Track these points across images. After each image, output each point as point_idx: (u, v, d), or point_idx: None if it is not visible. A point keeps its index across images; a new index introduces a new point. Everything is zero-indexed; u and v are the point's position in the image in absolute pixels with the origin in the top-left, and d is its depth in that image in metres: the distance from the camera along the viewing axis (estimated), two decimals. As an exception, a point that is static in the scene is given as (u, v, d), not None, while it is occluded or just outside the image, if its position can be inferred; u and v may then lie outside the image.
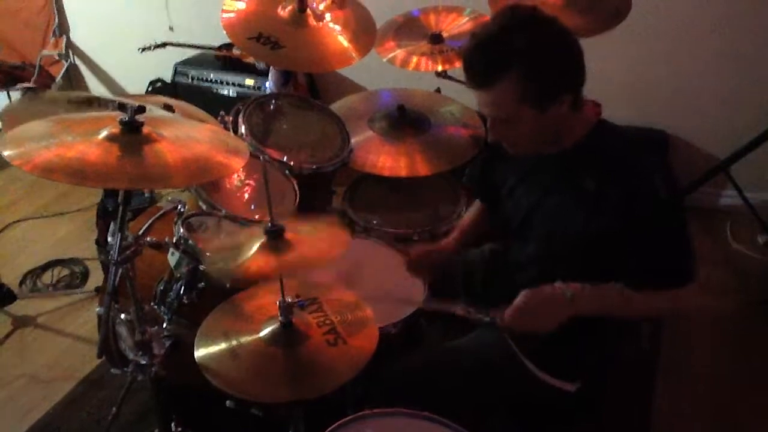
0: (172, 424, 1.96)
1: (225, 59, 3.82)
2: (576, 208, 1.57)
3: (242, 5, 2.31)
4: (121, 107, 1.39)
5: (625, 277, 1.52)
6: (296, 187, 2.14)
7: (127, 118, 1.37)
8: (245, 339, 1.58)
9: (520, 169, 1.75)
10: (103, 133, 1.35)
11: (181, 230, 1.78)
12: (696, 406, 2.36)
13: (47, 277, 3.13)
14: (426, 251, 2.03)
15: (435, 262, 2.00)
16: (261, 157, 2.00)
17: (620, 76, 3.25)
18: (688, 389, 2.41)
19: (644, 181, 1.51)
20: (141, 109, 1.39)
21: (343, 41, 2.37)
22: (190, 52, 3.98)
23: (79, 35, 4.45)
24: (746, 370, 2.55)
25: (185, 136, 1.47)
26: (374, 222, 2.31)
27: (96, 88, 4.61)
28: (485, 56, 1.50)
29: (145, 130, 1.39)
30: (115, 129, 1.37)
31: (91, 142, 1.33)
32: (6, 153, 1.26)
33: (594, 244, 1.55)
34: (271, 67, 3.26)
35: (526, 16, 1.51)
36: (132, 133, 1.37)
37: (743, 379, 2.51)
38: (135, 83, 4.23)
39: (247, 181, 2.14)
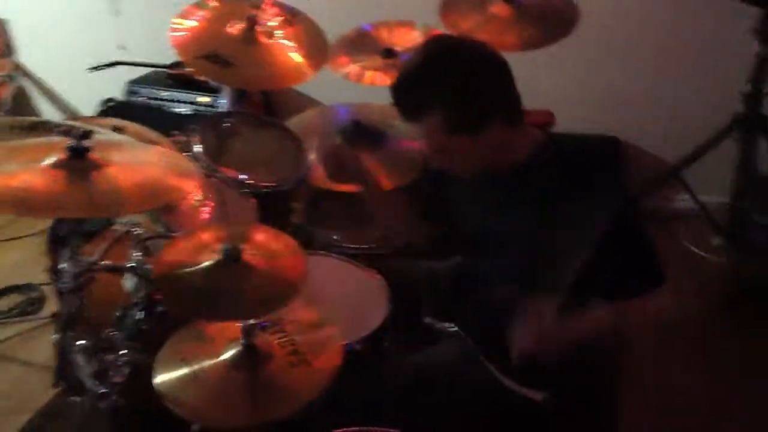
0: (135, 453, 1.91)
1: (178, 77, 3.77)
2: (529, 225, 1.58)
3: (192, 23, 2.29)
4: (67, 132, 1.36)
5: (594, 289, 1.53)
6: (254, 206, 2.12)
7: (74, 144, 1.34)
8: (206, 363, 1.55)
9: (468, 189, 1.76)
10: (50, 160, 1.32)
11: (137, 254, 1.75)
12: (662, 412, 2.38)
13: (2, 304, 3.04)
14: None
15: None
16: (216, 177, 1.98)
17: (571, 83, 3.31)
18: (652, 396, 2.42)
19: (597, 192, 1.52)
20: (87, 134, 1.36)
21: (296, 57, 2.36)
22: (142, 71, 3.93)
23: (26, 56, 4.36)
24: (712, 375, 2.58)
25: (136, 160, 1.45)
26: (334, 238, 2.30)
27: (46, 109, 4.51)
28: (407, 95, 1.54)
29: (94, 155, 1.36)
30: (62, 155, 1.34)
31: (36, 170, 1.30)
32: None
33: (551, 260, 1.56)
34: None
35: (446, 48, 1.54)
36: (79, 158, 1.34)
37: (709, 385, 2.53)
38: (87, 103, 4.14)
39: (204, 201, 2.11)
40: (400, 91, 1.57)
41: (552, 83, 3.16)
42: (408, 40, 2.57)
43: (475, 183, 1.73)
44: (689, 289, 2.86)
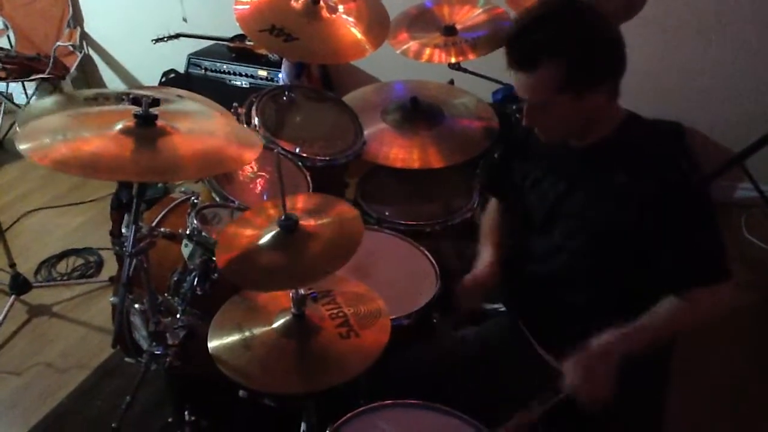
0: (186, 414, 1.97)
1: (238, 50, 3.82)
2: (605, 201, 1.56)
3: (255, -3, 2.31)
4: (135, 101, 1.40)
5: (658, 274, 1.52)
6: (309, 179, 2.15)
7: (141, 112, 1.38)
8: (258, 330, 1.59)
9: (544, 161, 1.72)
10: (118, 127, 1.36)
11: (195, 222, 1.79)
12: (711, 403, 2.35)
13: (62, 267, 3.16)
14: (472, 288, 1.82)
15: (485, 290, 1.85)
16: (274, 149, 2.01)
17: (634, 67, 3.23)
18: (702, 388, 2.39)
19: (677, 173, 1.50)
20: (155, 102, 1.40)
21: (357, 33, 2.37)
22: (204, 43, 3.99)
23: (93, 26, 4.47)
24: (762, 367, 2.53)
25: (199, 129, 1.48)
26: (386, 214, 2.32)
27: (110, 78, 4.63)
28: (530, 40, 1.48)
29: (160, 123, 1.40)
30: (130, 123, 1.38)
31: (105, 136, 1.34)
32: (22, 147, 1.28)
33: (621, 238, 1.54)
34: (284, 59, 3.26)
35: (569, 3, 1.50)
36: (146, 126, 1.38)
37: (758, 377, 2.48)
38: (148, 74, 4.24)
39: (260, 173, 2.15)
40: (523, 34, 1.50)
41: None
42: (469, 17, 2.55)
43: (548, 156, 1.71)
44: (745, 280, 2.80)
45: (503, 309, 1.89)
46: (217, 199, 1.98)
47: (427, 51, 2.49)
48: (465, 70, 2.61)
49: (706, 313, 1.56)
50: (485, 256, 1.85)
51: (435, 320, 1.93)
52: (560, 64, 1.45)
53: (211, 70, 3.84)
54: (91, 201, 3.66)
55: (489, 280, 1.80)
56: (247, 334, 1.58)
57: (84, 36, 4.47)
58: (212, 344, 1.57)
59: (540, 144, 1.67)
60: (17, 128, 1.62)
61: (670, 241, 1.50)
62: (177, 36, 3.86)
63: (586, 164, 1.60)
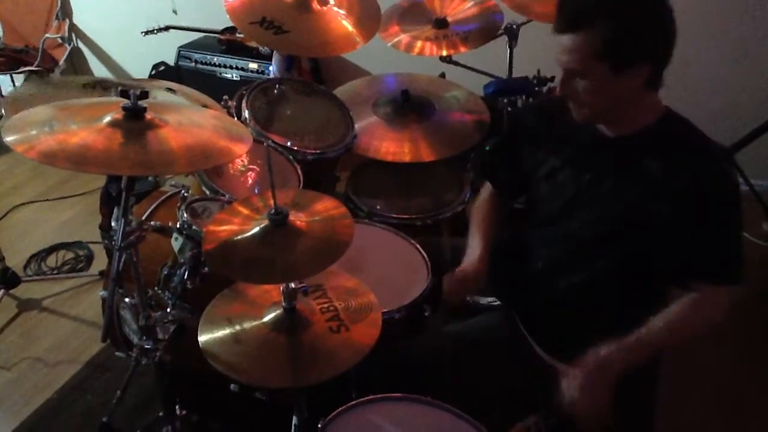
0: (177, 408, 1.97)
1: (228, 43, 3.81)
2: (635, 192, 1.56)
3: (246, -11, 2.30)
4: (124, 93, 1.39)
5: (669, 265, 1.52)
6: (300, 173, 2.14)
7: (130, 104, 1.37)
8: (248, 324, 1.58)
9: (567, 150, 1.70)
10: (106, 120, 1.35)
11: (185, 215, 1.78)
12: (700, 398, 2.36)
13: (52, 261, 3.14)
14: (460, 283, 1.82)
15: (474, 285, 1.85)
16: (265, 143, 2.00)
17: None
18: (692, 381, 2.40)
19: (716, 166, 1.52)
20: (144, 95, 1.38)
21: (348, 26, 2.36)
22: (194, 36, 3.97)
23: (82, 18, 4.44)
24: (752, 362, 2.54)
25: (188, 122, 1.47)
26: (377, 208, 2.31)
27: (99, 71, 4.60)
28: (580, 1, 1.49)
29: (148, 116, 1.39)
30: (118, 115, 1.36)
31: (93, 128, 1.33)
32: (8, 139, 1.26)
33: (647, 228, 1.54)
34: (274, 52, 3.25)
35: None
36: (135, 119, 1.37)
37: (749, 372, 2.50)
38: (138, 67, 4.22)
39: (250, 167, 2.14)
40: None
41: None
42: (460, 10, 2.55)
43: (568, 145, 1.69)
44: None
45: (496, 302, 1.89)
46: (208, 192, 1.97)
47: (419, 44, 2.49)
48: (456, 63, 2.60)
49: (702, 319, 1.57)
50: (475, 250, 1.83)
51: (426, 314, 1.93)
52: (603, 29, 1.44)
53: (202, 63, 3.82)
54: (80, 194, 3.64)
55: (478, 275, 1.79)
56: (237, 327, 1.57)
57: (73, 28, 4.44)
58: (202, 338, 1.56)
59: (560, 133, 1.66)
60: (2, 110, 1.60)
61: (695, 234, 1.50)
62: (167, 28, 3.83)
63: (623, 153, 1.59)
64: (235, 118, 2.19)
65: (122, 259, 1.63)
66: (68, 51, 4.26)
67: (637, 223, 1.55)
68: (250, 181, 2.11)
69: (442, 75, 2.82)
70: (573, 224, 1.67)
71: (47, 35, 4.18)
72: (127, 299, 1.77)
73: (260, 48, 3.68)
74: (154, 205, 2.10)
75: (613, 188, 1.60)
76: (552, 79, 2.53)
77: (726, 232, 1.53)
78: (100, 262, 3.08)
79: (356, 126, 2.40)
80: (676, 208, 1.50)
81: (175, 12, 4.06)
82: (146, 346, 1.74)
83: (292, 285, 1.57)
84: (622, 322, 1.55)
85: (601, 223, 1.62)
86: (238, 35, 3.78)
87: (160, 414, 1.95)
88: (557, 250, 1.70)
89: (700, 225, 1.50)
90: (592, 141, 1.64)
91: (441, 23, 2.50)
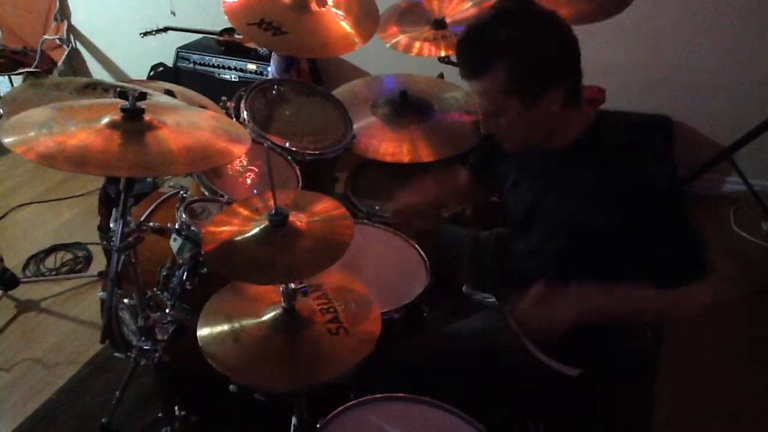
0: (176, 408, 1.97)
1: (227, 44, 3.81)
2: (576, 202, 1.56)
3: (244, -10, 2.30)
4: (122, 94, 1.39)
5: (633, 276, 1.52)
6: (299, 173, 2.14)
7: (128, 106, 1.37)
8: (248, 323, 1.58)
9: (522, 163, 1.74)
10: (105, 121, 1.35)
11: (184, 216, 1.78)
12: (699, 396, 2.36)
13: (50, 262, 3.14)
14: (410, 206, 2.01)
15: (418, 214, 1.99)
16: (264, 143, 2.00)
17: (625, 61, 3.23)
18: (691, 380, 2.41)
19: (642, 176, 1.49)
20: (142, 96, 1.38)
21: (346, 27, 2.36)
22: (192, 37, 3.97)
23: (80, 20, 4.43)
24: (751, 361, 2.54)
25: (187, 123, 1.47)
26: (376, 208, 2.31)
27: (98, 72, 4.60)
28: (475, 46, 1.50)
29: (147, 117, 1.39)
30: (117, 116, 1.36)
31: (92, 129, 1.33)
32: (7, 140, 1.26)
33: (594, 240, 1.54)
34: (273, 53, 3.25)
35: (520, 7, 1.50)
36: (133, 120, 1.37)
37: (748, 371, 2.49)
38: (137, 68, 4.22)
39: (249, 167, 2.14)
40: (468, 40, 1.52)
41: (604, 60, 3.10)
42: (459, 11, 2.55)
43: (525, 158, 1.72)
44: (734, 273, 2.81)
45: (492, 299, 1.89)
46: (206, 193, 1.97)
47: (417, 44, 2.49)
48: (455, 64, 2.59)
49: (689, 305, 1.56)
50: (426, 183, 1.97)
51: (425, 313, 1.94)
52: (505, 68, 1.45)
53: (200, 64, 3.82)
54: (79, 195, 3.64)
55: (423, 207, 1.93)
56: (236, 326, 1.58)
57: (71, 29, 4.43)
58: (201, 335, 1.56)
59: None
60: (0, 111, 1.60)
61: (645, 242, 1.49)
62: (165, 29, 3.83)
63: (560, 165, 1.60)
64: (234, 119, 2.19)
65: (121, 260, 1.63)
66: (66, 52, 4.26)
67: (585, 234, 1.55)
68: (248, 182, 2.11)
69: (441, 76, 2.82)
70: (534, 237, 1.69)
71: (46, 36, 4.18)
72: (126, 300, 1.77)
73: (259, 49, 3.68)
74: (152, 206, 2.10)
75: (557, 200, 1.62)
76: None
77: (670, 232, 1.50)
78: (98, 263, 3.07)
79: (355, 126, 2.40)
80: (614, 217, 1.49)
81: (173, 13, 4.06)
82: (145, 347, 1.74)
83: (292, 285, 1.57)
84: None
85: (557, 236, 1.63)
86: (236, 36, 3.78)
87: (160, 415, 1.95)
88: (532, 261, 1.72)
89: (643, 233, 1.48)
90: (538, 154, 1.65)
91: (439, 24, 2.50)
